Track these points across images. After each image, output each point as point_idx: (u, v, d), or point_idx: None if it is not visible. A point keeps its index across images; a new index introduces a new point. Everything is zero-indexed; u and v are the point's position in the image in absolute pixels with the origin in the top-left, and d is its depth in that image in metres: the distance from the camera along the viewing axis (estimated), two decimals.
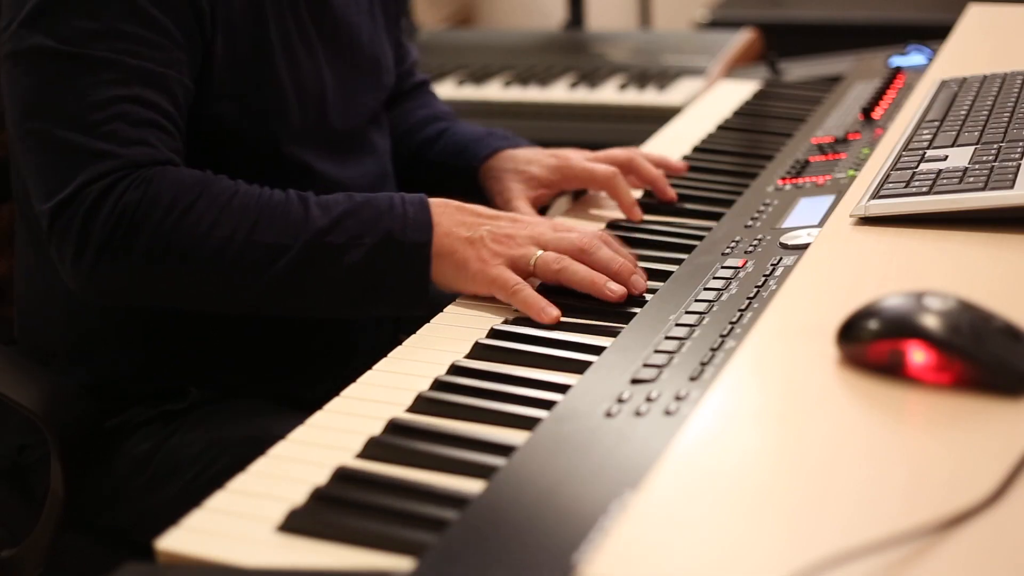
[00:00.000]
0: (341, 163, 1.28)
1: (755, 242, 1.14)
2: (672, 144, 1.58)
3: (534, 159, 1.37)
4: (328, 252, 1.07)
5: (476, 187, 1.38)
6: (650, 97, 2.21)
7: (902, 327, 0.76)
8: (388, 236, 1.07)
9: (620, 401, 0.86)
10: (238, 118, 1.18)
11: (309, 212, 1.08)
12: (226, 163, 1.14)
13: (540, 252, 1.09)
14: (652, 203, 1.35)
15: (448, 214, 1.11)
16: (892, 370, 0.76)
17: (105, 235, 1.05)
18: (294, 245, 1.07)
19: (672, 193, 1.36)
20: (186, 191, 1.07)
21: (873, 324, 0.77)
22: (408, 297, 1.09)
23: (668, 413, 0.83)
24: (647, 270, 1.13)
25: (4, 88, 1.12)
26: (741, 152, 1.55)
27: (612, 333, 1.00)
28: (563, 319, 1.04)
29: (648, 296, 1.06)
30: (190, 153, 1.14)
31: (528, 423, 0.86)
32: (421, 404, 0.91)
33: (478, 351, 1.00)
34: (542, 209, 1.39)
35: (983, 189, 1.01)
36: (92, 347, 1.23)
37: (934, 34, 1.88)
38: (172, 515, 0.77)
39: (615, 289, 1.06)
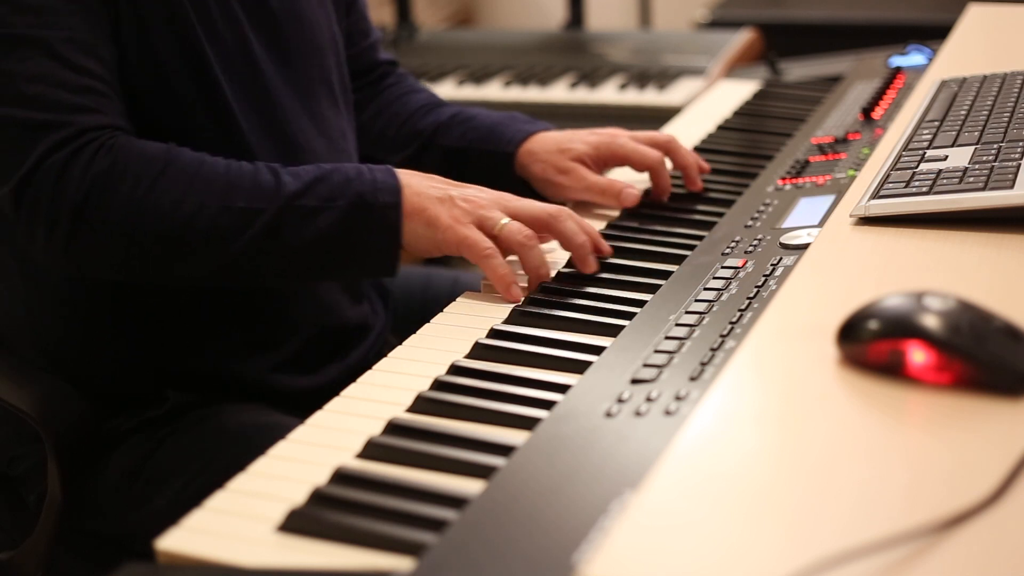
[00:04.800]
0: (287, 140, 1.23)
1: (755, 242, 1.14)
2: None
3: (575, 137, 1.35)
4: (301, 214, 1.07)
5: (508, 172, 1.35)
6: (650, 97, 2.21)
7: (902, 327, 0.76)
8: (359, 198, 1.08)
9: (620, 401, 0.86)
10: (160, 91, 1.14)
11: (280, 178, 1.09)
12: (167, 138, 1.11)
13: (507, 219, 1.11)
14: (652, 201, 1.35)
15: (417, 178, 1.12)
16: (892, 370, 0.77)
17: (78, 203, 1.04)
18: (267, 209, 1.07)
19: (700, 184, 1.36)
20: (153, 162, 1.07)
21: (873, 324, 0.77)
22: (381, 260, 1.10)
23: (668, 413, 0.83)
24: (647, 270, 1.13)
25: None
26: (741, 152, 1.55)
27: (612, 333, 1.00)
28: (562, 318, 1.04)
29: (648, 296, 1.06)
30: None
31: (528, 423, 0.86)
32: (421, 404, 0.91)
33: (478, 351, 1.00)
34: None
35: (983, 189, 1.01)
36: (59, 351, 1.21)
37: (934, 34, 1.88)
38: (165, 524, 0.76)
39: (524, 288, 1.10)
